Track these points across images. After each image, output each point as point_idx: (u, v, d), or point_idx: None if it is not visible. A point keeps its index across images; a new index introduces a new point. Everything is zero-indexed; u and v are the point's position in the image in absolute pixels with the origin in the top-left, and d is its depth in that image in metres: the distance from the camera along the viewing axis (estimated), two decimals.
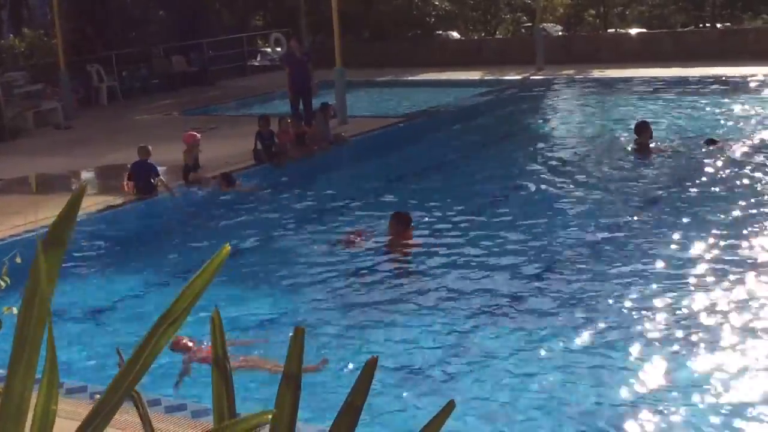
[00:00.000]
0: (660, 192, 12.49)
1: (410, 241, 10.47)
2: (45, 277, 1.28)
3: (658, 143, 15.29)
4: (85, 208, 12.10)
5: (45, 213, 11.92)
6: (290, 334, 1.41)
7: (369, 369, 1.24)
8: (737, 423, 6.03)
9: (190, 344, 7.19)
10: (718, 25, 32.85)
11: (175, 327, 1.25)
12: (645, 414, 6.19)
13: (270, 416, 1.20)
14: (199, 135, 14.30)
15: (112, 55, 25.07)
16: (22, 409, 1.25)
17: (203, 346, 7.16)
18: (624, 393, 6.53)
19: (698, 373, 6.80)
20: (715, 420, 6.08)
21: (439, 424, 1.22)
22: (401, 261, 10.06)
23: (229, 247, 1.31)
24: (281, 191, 13.70)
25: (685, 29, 32.71)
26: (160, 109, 22.74)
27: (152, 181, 13.00)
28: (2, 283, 3.55)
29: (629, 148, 15.23)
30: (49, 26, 26.34)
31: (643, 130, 15.01)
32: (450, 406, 1.27)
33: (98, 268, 10.22)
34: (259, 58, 30.98)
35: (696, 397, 6.41)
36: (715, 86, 21.45)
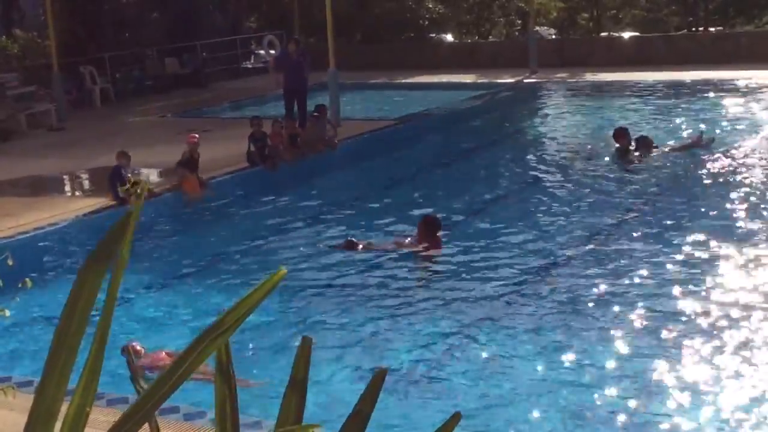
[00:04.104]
0: (638, 197, 12.59)
1: (439, 245, 10.42)
2: (88, 287, 1.29)
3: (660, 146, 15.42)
4: (77, 210, 12.08)
5: (37, 215, 11.88)
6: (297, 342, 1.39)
7: (379, 378, 1.23)
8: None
9: (140, 349, 7.27)
10: (711, 29, 32.95)
11: (222, 339, 1.25)
12: (645, 413, 6.22)
13: (315, 431, 1.20)
14: (197, 136, 14.19)
15: (105, 56, 25.02)
16: (53, 412, 1.27)
17: (153, 353, 7.27)
18: (625, 393, 6.57)
19: (691, 372, 6.82)
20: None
21: None
22: (429, 267, 10.03)
23: (285, 271, 1.32)
24: (273, 194, 13.67)
25: (678, 33, 32.78)
26: (153, 111, 22.70)
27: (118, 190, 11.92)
28: None
29: (608, 157, 15.25)
30: (42, 28, 26.27)
31: (620, 136, 15.14)
32: (456, 418, 1.25)
33: None
34: (252, 60, 30.94)
35: (692, 396, 6.43)
36: (707, 90, 21.49)
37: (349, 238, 10.65)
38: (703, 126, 16.64)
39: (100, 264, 1.27)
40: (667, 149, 15.39)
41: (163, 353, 7.39)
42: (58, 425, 1.29)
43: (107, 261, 1.28)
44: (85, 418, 1.28)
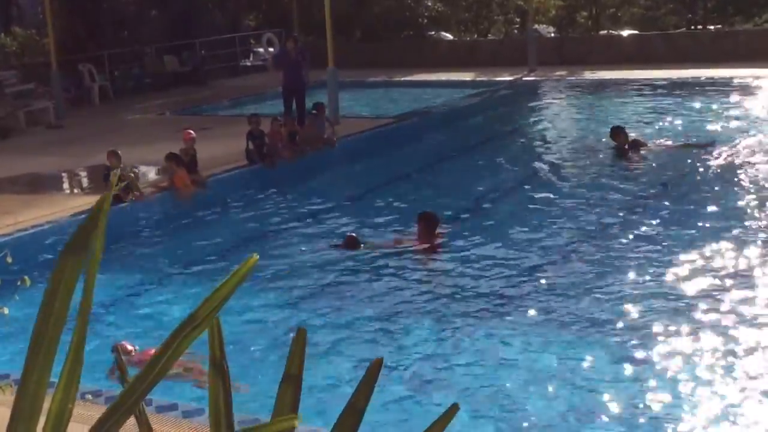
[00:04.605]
0: (637, 194, 12.61)
1: (438, 242, 10.41)
2: (65, 281, 1.27)
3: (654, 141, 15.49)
4: (76, 208, 12.06)
5: (36, 213, 11.87)
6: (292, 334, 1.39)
7: (373, 370, 1.23)
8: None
9: (130, 348, 7.27)
10: (710, 27, 32.95)
11: (198, 332, 1.24)
12: (641, 414, 6.22)
13: (297, 421, 1.19)
14: (193, 133, 14.16)
15: (105, 54, 25.01)
16: (35, 408, 1.25)
17: (143, 352, 7.28)
18: (624, 391, 6.58)
19: (689, 372, 6.83)
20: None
21: (442, 427, 1.20)
22: (429, 264, 10.02)
23: (257, 257, 1.32)
24: (272, 192, 13.66)
25: (677, 31, 32.78)
26: (152, 108, 22.68)
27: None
28: None
29: (605, 155, 15.30)
30: (41, 25, 26.25)
31: (617, 134, 15.24)
32: (453, 410, 1.25)
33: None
34: (251, 58, 30.94)
35: (691, 396, 6.44)
36: (705, 88, 21.50)
37: (350, 235, 10.64)
38: (707, 126, 16.68)
39: (76, 256, 1.26)
40: (666, 147, 15.42)
41: (153, 351, 7.37)
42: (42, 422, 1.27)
43: (82, 253, 1.27)
44: (69, 415, 1.27)
